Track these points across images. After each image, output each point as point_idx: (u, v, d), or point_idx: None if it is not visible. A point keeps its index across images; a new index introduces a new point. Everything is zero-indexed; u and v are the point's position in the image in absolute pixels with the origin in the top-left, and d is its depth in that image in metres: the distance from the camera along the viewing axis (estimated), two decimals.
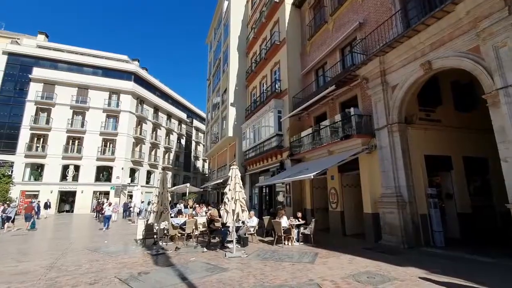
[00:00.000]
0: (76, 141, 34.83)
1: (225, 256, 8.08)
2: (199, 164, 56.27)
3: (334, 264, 6.90)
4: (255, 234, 10.95)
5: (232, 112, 22.75)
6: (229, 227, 9.39)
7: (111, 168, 35.27)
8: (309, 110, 14.88)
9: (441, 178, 11.23)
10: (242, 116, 22.51)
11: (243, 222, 9.98)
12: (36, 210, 19.18)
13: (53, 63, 36.98)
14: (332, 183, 12.55)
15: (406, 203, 9.09)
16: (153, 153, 41.91)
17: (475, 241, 9.16)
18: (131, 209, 23.10)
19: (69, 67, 37.43)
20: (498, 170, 6.93)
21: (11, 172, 30.43)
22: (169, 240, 10.62)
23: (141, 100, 40.29)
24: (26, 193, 31.38)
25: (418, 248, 8.63)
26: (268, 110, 16.97)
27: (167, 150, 45.69)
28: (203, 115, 52.33)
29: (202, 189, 33.21)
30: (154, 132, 42.75)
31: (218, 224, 10.31)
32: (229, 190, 8.58)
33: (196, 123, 56.69)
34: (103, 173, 35.41)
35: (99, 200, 30.72)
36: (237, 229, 9.45)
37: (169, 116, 47.17)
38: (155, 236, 10.50)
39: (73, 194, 33.51)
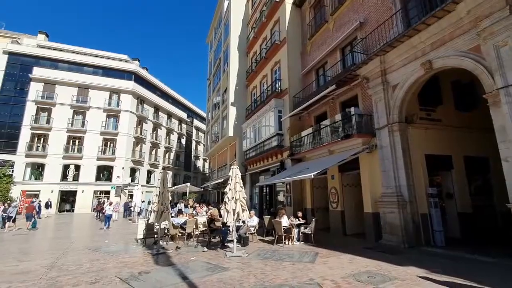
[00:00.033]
0: (77, 141, 34.85)
1: (226, 255, 8.09)
2: (199, 163, 56.31)
3: (335, 264, 6.90)
4: (256, 234, 10.95)
5: (232, 112, 22.75)
6: (229, 226, 9.40)
7: (111, 167, 35.30)
8: (309, 110, 14.88)
9: (442, 177, 11.22)
10: (242, 116, 22.52)
11: (243, 222, 9.98)
12: (37, 210, 19.20)
13: (54, 63, 37.00)
14: (333, 183, 12.55)
15: (407, 202, 9.09)
16: (153, 152, 41.94)
17: (475, 241, 9.16)
18: (132, 208, 23.12)
19: (70, 66, 37.45)
20: (499, 170, 6.92)
21: (12, 172, 30.47)
22: (169, 240, 10.62)
23: (141, 100, 40.30)
24: (27, 192, 31.40)
25: (419, 247, 8.63)
26: (268, 109, 16.97)
27: (168, 149, 45.72)
28: (204, 114, 52.36)
29: (202, 189, 33.26)
30: (155, 132, 42.77)
31: (218, 224, 10.32)
32: (230, 189, 8.58)
33: (196, 122, 56.71)
34: (104, 173, 35.44)
35: (100, 200, 30.73)
36: (238, 228, 9.45)
37: (170, 115, 47.18)
38: (155, 236, 10.51)
39: (73, 193, 33.56)
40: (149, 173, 40.87)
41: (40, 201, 24.25)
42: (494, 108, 6.69)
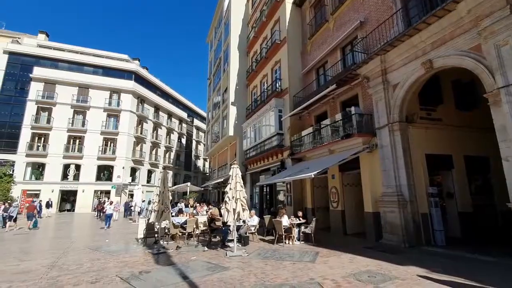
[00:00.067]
0: (77, 140, 34.88)
1: (226, 255, 8.09)
2: (199, 163, 56.33)
3: (335, 263, 6.90)
4: (256, 233, 10.96)
5: (232, 111, 22.74)
6: (230, 226, 9.41)
7: (112, 167, 35.33)
8: (309, 109, 14.87)
9: (442, 177, 11.22)
10: (242, 115, 22.52)
11: (244, 221, 9.98)
12: (38, 209, 19.23)
13: (54, 63, 37.02)
14: (333, 182, 12.55)
15: (407, 202, 9.09)
16: (153, 152, 41.96)
17: (476, 240, 9.15)
18: (132, 208, 23.15)
19: (70, 66, 37.47)
20: (499, 169, 6.91)
21: (12, 171, 30.50)
22: (170, 239, 10.63)
23: (141, 100, 40.31)
24: (27, 192, 31.45)
25: (419, 247, 8.63)
26: (268, 109, 16.96)
27: (168, 149, 45.74)
28: (204, 114, 52.37)
29: (202, 188, 33.27)
30: (155, 131, 42.78)
31: (219, 223, 10.33)
32: (230, 189, 8.59)
33: (196, 122, 56.72)
34: (104, 172, 35.48)
35: (100, 199, 30.76)
36: (238, 228, 9.46)
37: (170, 115, 47.18)
38: (156, 235, 10.52)
39: (74, 193, 33.60)
40: (150, 172, 40.91)
41: (41, 200, 24.29)
42: (494, 108, 6.68)
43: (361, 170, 10.99)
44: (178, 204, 18.06)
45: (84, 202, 32.98)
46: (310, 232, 10.04)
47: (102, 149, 35.28)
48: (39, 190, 31.60)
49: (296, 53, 16.87)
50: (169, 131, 46.62)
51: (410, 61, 9.11)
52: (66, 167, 33.66)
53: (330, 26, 14.15)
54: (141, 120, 39.87)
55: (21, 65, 35.70)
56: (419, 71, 8.83)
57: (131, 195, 32.10)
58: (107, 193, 34.03)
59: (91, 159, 34.32)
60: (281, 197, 17.04)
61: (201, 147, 56.09)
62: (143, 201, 22.51)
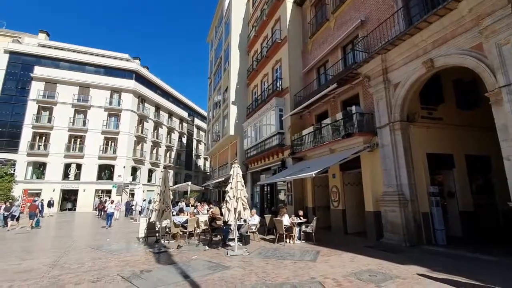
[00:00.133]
0: (78, 140, 34.96)
1: (227, 254, 8.10)
2: (200, 162, 56.38)
3: (336, 262, 6.91)
4: (257, 233, 10.97)
5: (233, 111, 22.73)
6: (230, 225, 9.41)
7: (113, 166, 35.39)
8: (310, 109, 14.86)
9: (443, 176, 11.20)
10: (243, 115, 22.51)
11: (244, 220, 9.99)
12: (40, 209, 19.29)
13: (55, 62, 37.07)
14: (334, 181, 12.55)
15: (408, 201, 9.08)
16: (154, 151, 42.00)
17: (477, 240, 9.15)
18: (133, 207, 23.19)
19: (71, 65, 37.49)
20: (500, 169, 6.90)
21: (14, 171, 30.55)
22: (171, 238, 10.66)
23: (142, 99, 40.34)
24: (29, 191, 31.55)
25: (420, 246, 8.63)
26: (269, 108, 16.95)
27: (169, 148, 45.78)
28: (204, 113, 52.35)
29: (203, 188, 33.31)
30: (156, 131, 42.82)
31: (219, 223, 10.34)
32: (231, 188, 8.59)
33: (197, 121, 56.73)
34: (105, 172, 35.54)
35: (101, 199, 30.83)
36: (239, 227, 9.46)
37: (170, 114, 47.21)
38: (157, 234, 10.53)
39: (75, 192, 33.68)
40: (150, 172, 40.96)
41: (42, 200, 24.34)
42: (496, 107, 6.67)
43: (362, 169, 10.98)
44: (179, 203, 18.07)
45: (85, 201, 33.07)
46: (311, 231, 10.05)
47: (103, 148, 35.34)
48: (40, 189, 31.69)
49: (296, 52, 16.84)
50: (170, 131, 46.65)
51: (411, 60, 9.09)
52: (67, 166, 33.73)
53: (331, 25, 14.12)
54: (142, 119, 39.91)
55: (22, 65, 35.77)
56: (420, 70, 8.81)
57: (132, 194, 32.18)
58: (108, 192, 34.12)
59: (92, 159, 34.38)
60: (281, 196, 17.04)
61: (201, 147, 56.12)
62: (144, 200, 22.53)
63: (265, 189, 19.35)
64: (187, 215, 12.27)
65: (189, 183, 21.45)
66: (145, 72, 43.12)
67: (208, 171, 43.96)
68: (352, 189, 12.11)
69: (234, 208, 8.34)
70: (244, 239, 9.65)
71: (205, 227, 11.16)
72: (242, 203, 8.45)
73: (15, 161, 31.92)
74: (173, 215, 11.25)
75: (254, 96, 21.98)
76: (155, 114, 42.89)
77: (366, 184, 10.72)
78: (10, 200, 23.15)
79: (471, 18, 7.19)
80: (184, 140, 51.63)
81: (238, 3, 25.28)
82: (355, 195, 11.89)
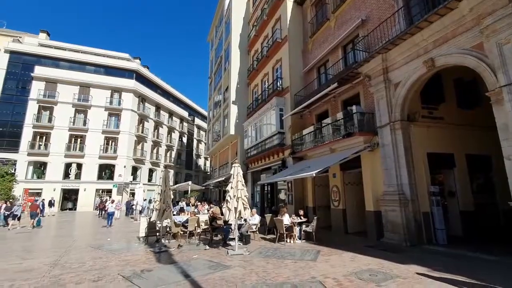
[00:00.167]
0: (79, 139, 34.98)
1: (227, 253, 8.11)
2: (200, 162, 56.39)
3: (336, 262, 6.91)
4: (257, 232, 10.97)
5: (233, 110, 22.73)
6: (231, 225, 9.42)
7: (113, 166, 35.42)
8: (311, 108, 14.86)
9: (444, 176, 11.20)
10: (243, 114, 22.50)
11: (245, 220, 9.99)
12: (41, 208, 19.33)
13: (55, 62, 37.09)
14: (334, 181, 12.54)
15: (409, 201, 9.08)
16: (155, 151, 42.02)
17: (477, 239, 9.14)
18: (134, 207, 23.22)
19: (71, 65, 37.48)
20: (501, 168, 6.89)
21: (14, 170, 30.59)
22: (171, 238, 10.67)
23: (142, 98, 40.34)
24: (29, 191, 31.60)
25: (420, 246, 8.63)
26: (269, 108, 16.95)
27: (169, 148, 45.80)
28: (205, 113, 52.34)
29: (204, 187, 33.30)
30: (156, 130, 42.83)
31: (220, 222, 10.35)
32: (231, 188, 8.60)
33: (197, 121, 56.74)
34: (106, 171, 35.57)
35: (102, 198, 30.87)
36: (239, 226, 9.46)
37: (171, 114, 47.22)
38: (157, 234, 10.54)
39: (75, 192, 33.71)
40: (151, 171, 40.99)
41: (43, 199, 24.38)
42: (496, 106, 6.66)
43: (363, 169, 10.98)
44: (180, 203, 18.09)
45: (85, 201, 33.11)
46: (311, 230, 10.05)
47: (104, 148, 35.36)
48: (41, 189, 31.73)
49: (297, 51, 16.83)
50: (170, 130, 46.67)
51: (411, 59, 9.08)
52: (68, 166, 33.76)
53: (331, 25, 14.11)
54: (142, 119, 39.92)
55: (23, 64, 35.79)
56: (420, 69, 8.80)
57: (133, 194, 32.23)
58: (109, 192, 34.16)
59: (93, 158, 34.41)
60: (282, 196, 17.05)
61: (202, 146, 56.14)
62: (144, 200, 22.56)
63: (266, 189, 19.36)
64: (187, 214, 12.29)
65: (190, 182, 21.43)
66: (145, 71, 43.12)
67: (209, 170, 43.97)
68: (353, 189, 12.11)
69: (234, 207, 8.35)
70: (244, 239, 9.66)
71: (206, 227, 11.17)
72: (243, 203, 8.46)
73: (15, 160, 31.95)
74: (174, 215, 11.26)
75: (254, 95, 21.97)
76: (156, 113, 42.90)
77: (367, 184, 10.72)
78: (10, 200, 23.20)
79: (472, 17, 7.18)
80: (185, 139, 51.65)
81: (239, 2, 25.26)
82: (355, 195, 11.89)
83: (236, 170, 8.82)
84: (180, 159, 48.89)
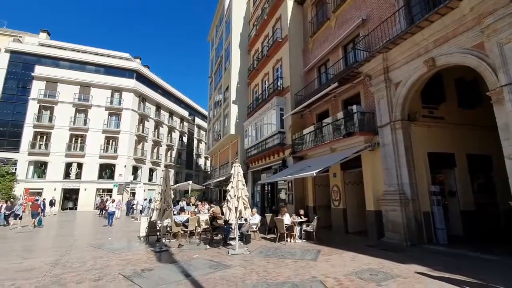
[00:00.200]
0: (79, 139, 34.99)
1: (228, 253, 8.12)
2: (201, 161, 56.39)
3: (337, 261, 6.91)
4: (258, 232, 10.97)
5: (234, 110, 22.73)
6: (231, 224, 9.42)
7: (113, 165, 35.43)
8: (311, 108, 14.85)
9: (444, 175, 11.19)
10: (244, 114, 22.50)
11: (245, 220, 10.00)
12: (42, 208, 19.37)
13: (56, 61, 37.10)
14: (335, 181, 12.54)
15: (409, 200, 9.08)
16: (155, 150, 42.03)
17: (478, 239, 9.14)
18: (134, 206, 23.23)
19: (71, 65, 37.47)
20: (502, 168, 6.89)
21: (15, 170, 30.64)
22: (172, 237, 10.67)
23: (143, 98, 40.34)
24: (30, 190, 31.63)
25: (421, 245, 8.63)
26: (270, 107, 16.94)
27: (169, 147, 45.81)
28: (205, 112, 52.31)
29: (204, 187, 33.30)
30: (156, 130, 42.84)
31: (220, 222, 10.35)
32: (232, 187, 8.60)
33: (198, 120, 56.73)
34: (106, 171, 35.59)
35: (102, 198, 30.90)
36: (240, 226, 9.47)
37: (171, 114, 47.22)
38: (158, 233, 10.55)
39: (76, 191, 33.74)
40: (151, 171, 41.01)
41: (44, 199, 24.39)
42: (497, 106, 6.65)
43: (363, 169, 10.97)
44: (180, 203, 18.10)
45: (86, 201, 33.15)
46: (311, 230, 10.05)
47: (104, 147, 35.37)
48: (42, 189, 31.77)
49: (297, 51, 16.82)
50: (171, 130, 46.67)
51: (412, 59, 9.07)
52: (68, 165, 33.79)
53: (332, 24, 14.09)
54: (143, 118, 39.93)
55: (23, 64, 35.81)
56: (421, 69, 8.80)
57: (133, 194, 32.24)
58: (109, 191, 34.18)
59: (93, 158, 34.42)
60: (282, 195, 17.05)
61: (202, 146, 56.14)
62: (145, 199, 22.58)
63: (266, 188, 19.36)
64: (188, 214, 12.30)
65: (190, 182, 21.44)
66: (145, 71, 43.11)
67: (209, 170, 43.99)
68: (353, 188, 12.11)
69: (235, 207, 8.35)
70: (245, 238, 9.66)
71: (206, 226, 11.17)
72: (243, 202, 8.46)
73: (16, 160, 32.00)
74: (174, 214, 11.26)
75: (254, 95, 21.96)
76: (156, 113, 42.91)
77: (367, 183, 10.71)
78: (11, 199, 23.23)
79: (473, 16, 7.17)
80: (185, 139, 51.64)
81: (239, 2, 25.23)
82: (356, 194, 11.89)
83: (237, 170, 8.82)
84: (181, 158, 48.90)
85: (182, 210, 14.10)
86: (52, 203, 25.63)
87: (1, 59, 35.14)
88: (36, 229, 15.25)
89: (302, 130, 14.51)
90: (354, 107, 11.06)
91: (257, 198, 20.73)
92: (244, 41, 24.36)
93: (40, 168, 33.57)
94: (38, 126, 33.30)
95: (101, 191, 34.44)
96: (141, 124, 39.43)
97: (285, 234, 9.68)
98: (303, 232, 10.22)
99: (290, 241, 9.74)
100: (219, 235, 10.67)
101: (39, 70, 34.72)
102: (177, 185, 28.01)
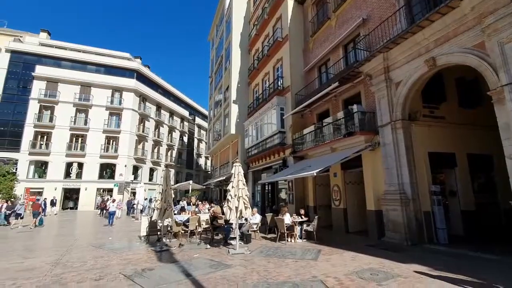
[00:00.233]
0: (80, 139, 35.02)
1: (228, 252, 8.12)
2: (201, 161, 56.40)
3: (337, 261, 6.92)
4: (258, 231, 10.97)
5: (234, 110, 22.73)
6: (232, 224, 9.43)
7: (114, 165, 35.46)
8: (311, 107, 14.84)
9: (445, 175, 11.18)
10: (244, 114, 22.49)
11: (246, 219, 10.01)
12: (43, 207, 19.41)
13: (56, 61, 37.13)
14: (335, 180, 12.54)
15: (410, 200, 9.07)
16: (155, 150, 42.06)
17: (479, 239, 9.13)
18: (135, 206, 23.27)
19: (72, 65, 37.48)
20: (502, 167, 6.89)
21: (16, 170, 30.68)
22: (172, 237, 10.68)
23: (143, 98, 40.35)
24: (31, 190, 31.67)
25: (421, 245, 8.62)
26: (270, 107, 16.93)
27: (170, 147, 45.83)
28: (205, 112, 52.29)
29: (205, 186, 33.30)
30: (157, 130, 42.86)
31: (221, 221, 10.36)
32: (232, 187, 8.59)
33: (198, 120, 56.74)
34: (107, 170, 35.61)
35: (103, 197, 30.92)
36: (240, 226, 9.47)
37: (172, 113, 47.23)
38: (158, 233, 10.56)
39: (77, 191, 33.78)
40: (152, 170, 41.03)
41: (45, 198, 24.43)
42: (498, 105, 6.64)
43: (364, 168, 10.97)
44: (181, 202, 18.12)
45: (87, 200, 33.18)
46: (312, 230, 10.05)
47: (105, 147, 35.39)
48: (42, 188, 31.81)
49: (298, 51, 16.80)
50: (171, 129, 46.69)
51: (413, 58, 9.06)
52: (69, 165, 33.83)
53: (332, 24, 14.08)
54: (143, 118, 39.95)
55: (24, 64, 35.85)
56: (422, 68, 8.78)
57: (134, 193, 32.27)
58: (110, 191, 34.21)
59: (94, 157, 34.44)
60: (283, 195, 17.04)
61: (202, 145, 56.15)
62: (145, 199, 22.61)
63: (266, 188, 19.36)
64: (188, 214, 12.32)
65: (191, 182, 21.46)
66: (146, 71, 43.12)
67: (209, 170, 43.98)
68: (354, 188, 12.10)
69: (235, 207, 8.35)
70: (245, 238, 9.66)
71: (207, 226, 11.18)
72: (244, 202, 8.46)
73: (17, 160, 32.04)
74: (175, 214, 11.28)
75: (255, 95, 21.96)
76: (156, 113, 42.92)
77: (368, 183, 10.71)
78: (12, 199, 23.27)
79: (474, 16, 7.16)
80: (185, 139, 51.65)
81: (239, 1, 25.22)
82: (356, 194, 11.89)
83: (237, 169, 8.82)
84: (181, 158, 48.92)
85: (182, 209, 14.13)
86: (53, 203, 25.67)
87: (2, 59, 35.17)
88: (37, 228, 15.27)
89: (302, 130, 14.50)
90: (355, 106, 11.04)
91: (258, 198, 20.73)
92: (244, 40, 24.35)
93: (41, 168, 33.60)
94: (38, 126, 33.33)
95: (101, 190, 34.47)
96: (142, 124, 39.45)
97: (286, 234, 9.69)
98: (303, 231, 10.22)
99: (291, 241, 9.74)
100: (220, 235, 10.68)
101: (40, 70, 34.74)
102: (178, 184, 28.04)
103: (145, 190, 25.47)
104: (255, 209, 11.71)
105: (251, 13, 24.62)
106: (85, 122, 35.19)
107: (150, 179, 40.05)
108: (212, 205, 15.85)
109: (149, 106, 41.12)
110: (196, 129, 56.12)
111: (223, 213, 9.85)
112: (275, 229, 10.51)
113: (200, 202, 17.85)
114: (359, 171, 11.33)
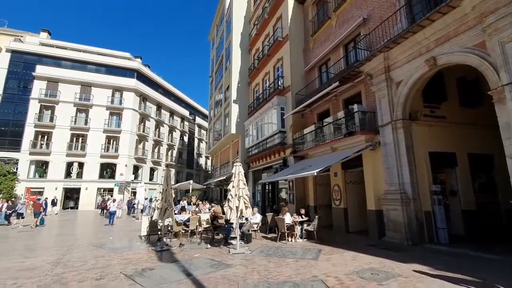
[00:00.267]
0: (80, 139, 35.05)
1: (229, 252, 8.13)
2: (202, 161, 56.40)
3: (338, 261, 6.91)
4: (259, 231, 10.97)
5: (234, 109, 22.73)
6: (232, 223, 9.44)
7: (114, 165, 35.50)
8: (312, 107, 14.84)
9: (446, 175, 11.16)
10: (244, 113, 22.49)
11: (246, 219, 10.01)
12: (44, 207, 19.45)
13: (56, 61, 37.15)
14: (336, 180, 12.53)
15: (410, 200, 9.06)
16: (156, 150, 42.08)
17: (479, 238, 9.12)
18: (135, 206, 23.28)
19: (72, 64, 37.49)
20: (503, 167, 6.87)
21: (16, 169, 30.72)
22: (173, 237, 10.69)
23: (144, 98, 40.37)
24: (31, 190, 31.71)
25: (422, 245, 8.61)
26: (271, 107, 16.93)
27: (170, 147, 45.85)
28: (206, 112, 52.29)
29: (205, 186, 33.31)
30: (157, 129, 42.88)
31: (221, 221, 10.36)
32: (233, 187, 8.59)
33: (198, 120, 56.75)
34: (107, 170, 35.64)
35: (104, 197, 30.94)
36: (241, 225, 9.48)
37: (172, 113, 47.25)
38: (159, 233, 10.57)
39: (77, 191, 33.82)
40: (152, 170, 41.06)
41: (46, 198, 24.46)
42: (499, 105, 6.63)
43: (364, 168, 10.96)
44: (181, 202, 18.13)
45: (87, 200, 33.22)
46: (312, 229, 10.05)
47: (105, 147, 35.42)
48: (43, 188, 31.85)
49: (298, 50, 16.79)
50: (171, 129, 46.71)
51: (413, 58, 9.05)
52: (69, 165, 33.87)
53: (333, 23, 14.07)
54: (144, 118, 39.97)
55: (24, 64, 35.88)
56: (422, 68, 8.77)
57: (134, 193, 32.27)
58: (110, 190, 34.24)
59: (94, 157, 34.47)
60: (283, 195, 17.04)
61: (203, 145, 56.17)
62: (146, 198, 22.62)
63: (267, 188, 19.36)
64: (189, 213, 12.31)
65: (191, 181, 21.45)
66: (146, 70, 43.12)
67: (210, 169, 43.98)
68: (354, 188, 12.10)
69: (236, 206, 8.35)
70: (246, 238, 9.67)
71: (207, 226, 11.18)
72: (244, 202, 8.46)
73: (17, 159, 32.09)
74: (175, 214, 11.29)
75: (255, 94, 21.95)
76: (157, 112, 42.94)
77: (368, 183, 10.70)
78: (12, 199, 23.30)
79: (474, 15, 7.14)
80: (186, 138, 51.67)
81: (239, 1, 25.21)
82: (357, 194, 11.88)
83: (238, 169, 8.82)
84: (181, 158, 48.94)
85: (183, 209, 14.13)
86: (54, 203, 25.71)
87: (2, 59, 35.20)
88: (38, 228, 15.30)
89: (303, 130, 14.50)
90: (355, 106, 11.04)
91: (258, 198, 20.73)
92: (244, 40, 24.34)
93: (41, 168, 33.64)
94: (39, 125, 33.37)
95: (102, 190, 34.50)
96: (142, 124, 39.47)
97: (286, 234, 9.69)
98: (304, 231, 10.21)
99: (291, 241, 9.75)
100: (220, 235, 10.68)
101: (40, 69, 34.77)
102: (178, 184, 28.06)
103: (145, 190, 25.48)
104: (255, 209, 11.71)
105: (252, 13, 24.60)
106: (86, 122, 35.22)
107: (151, 179, 40.08)
108: (213, 204, 15.87)
109: (149, 106, 41.14)
110: (197, 128, 56.14)
111: (223, 212, 9.86)
112: (276, 228, 10.52)
113: (200, 202, 17.86)
114: (360, 170, 11.32)
